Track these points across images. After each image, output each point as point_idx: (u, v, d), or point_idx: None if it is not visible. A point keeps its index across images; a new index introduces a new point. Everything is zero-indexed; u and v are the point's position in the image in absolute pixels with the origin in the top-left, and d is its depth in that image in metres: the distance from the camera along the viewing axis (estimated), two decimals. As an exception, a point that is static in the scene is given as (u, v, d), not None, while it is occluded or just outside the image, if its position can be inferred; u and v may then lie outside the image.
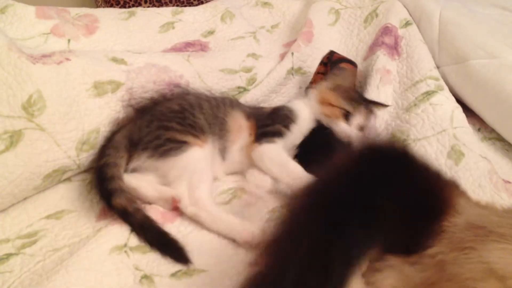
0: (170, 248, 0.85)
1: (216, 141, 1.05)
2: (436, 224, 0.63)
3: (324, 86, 1.18)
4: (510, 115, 1.14)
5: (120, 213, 0.88)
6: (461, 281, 0.54)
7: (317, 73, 1.29)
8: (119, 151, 0.97)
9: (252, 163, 1.06)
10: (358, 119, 1.12)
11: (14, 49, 0.90)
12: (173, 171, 0.97)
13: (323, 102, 1.14)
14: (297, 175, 0.98)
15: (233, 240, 0.88)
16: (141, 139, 0.99)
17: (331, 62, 1.23)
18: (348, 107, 1.12)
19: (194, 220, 0.92)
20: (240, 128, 1.10)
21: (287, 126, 1.09)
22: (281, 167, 1.01)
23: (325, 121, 1.13)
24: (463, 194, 0.70)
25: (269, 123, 1.10)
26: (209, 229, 0.90)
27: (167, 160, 0.97)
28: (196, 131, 1.02)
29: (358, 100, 1.14)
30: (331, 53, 1.26)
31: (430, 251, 0.60)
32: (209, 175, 1.00)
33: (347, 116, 1.12)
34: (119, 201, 0.88)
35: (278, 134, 1.07)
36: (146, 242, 0.86)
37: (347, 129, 1.10)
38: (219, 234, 0.89)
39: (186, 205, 0.93)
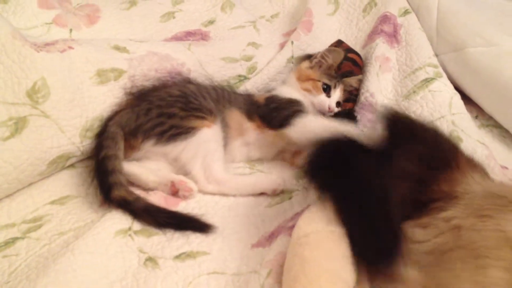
0: (187, 223, 0.87)
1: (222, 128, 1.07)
2: (438, 182, 0.64)
3: (303, 65, 1.23)
4: (507, 102, 1.16)
5: (119, 204, 0.89)
6: (475, 248, 0.54)
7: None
8: (117, 142, 0.97)
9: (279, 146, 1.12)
10: (337, 94, 1.18)
11: (18, 37, 0.91)
12: (184, 154, 0.99)
13: (303, 78, 1.19)
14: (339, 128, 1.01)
15: (263, 193, 0.99)
16: (139, 127, 0.99)
17: None
18: (327, 80, 1.17)
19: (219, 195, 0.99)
20: (240, 127, 1.11)
21: (298, 109, 1.11)
22: (324, 127, 1.01)
23: (306, 96, 1.17)
24: (472, 163, 0.70)
25: (275, 114, 1.11)
26: (237, 196, 0.99)
27: (176, 145, 0.98)
28: (203, 112, 1.03)
29: (337, 78, 1.20)
30: (339, 42, 1.27)
31: (444, 214, 0.60)
32: (221, 152, 1.03)
33: (326, 90, 1.17)
34: (117, 193, 0.89)
35: (297, 114, 1.07)
36: (156, 226, 0.87)
37: (326, 100, 1.16)
38: (248, 196, 0.99)
39: (205, 186, 0.98)
